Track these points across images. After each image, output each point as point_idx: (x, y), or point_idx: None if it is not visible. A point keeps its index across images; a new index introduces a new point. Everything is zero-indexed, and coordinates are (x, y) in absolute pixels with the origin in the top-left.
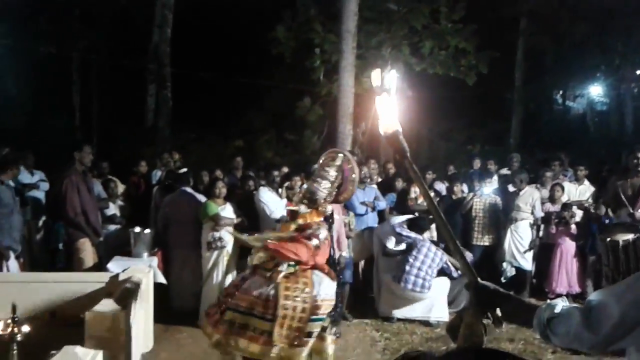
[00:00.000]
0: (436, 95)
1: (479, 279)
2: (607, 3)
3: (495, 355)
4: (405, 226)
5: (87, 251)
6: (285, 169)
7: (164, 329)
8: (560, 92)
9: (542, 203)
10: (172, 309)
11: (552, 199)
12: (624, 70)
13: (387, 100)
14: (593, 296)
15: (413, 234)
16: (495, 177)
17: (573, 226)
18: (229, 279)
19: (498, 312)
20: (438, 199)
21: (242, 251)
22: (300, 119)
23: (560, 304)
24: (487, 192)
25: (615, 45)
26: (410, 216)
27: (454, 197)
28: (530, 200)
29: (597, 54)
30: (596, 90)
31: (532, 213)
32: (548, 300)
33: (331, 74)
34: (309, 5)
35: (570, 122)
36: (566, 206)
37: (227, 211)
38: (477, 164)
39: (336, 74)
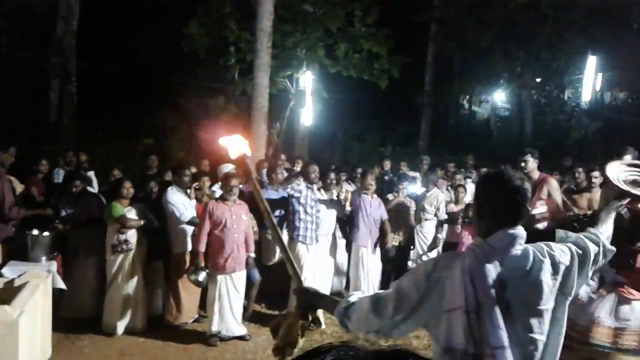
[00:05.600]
0: (351, 98)
1: (303, 284)
2: (511, 13)
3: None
4: None
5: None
6: (194, 169)
7: (63, 337)
8: (467, 97)
9: (447, 204)
10: (72, 316)
11: (456, 200)
12: (525, 78)
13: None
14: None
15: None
16: (419, 178)
17: None
18: (133, 283)
19: (319, 313)
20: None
21: (147, 254)
22: (214, 118)
23: (357, 295)
24: (413, 191)
25: (517, 53)
26: None
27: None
28: (435, 202)
29: (500, 61)
30: (499, 97)
31: (436, 215)
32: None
33: (246, 73)
34: (223, 2)
35: (475, 126)
36: (469, 206)
37: (133, 213)
38: (387, 164)
39: (251, 73)
